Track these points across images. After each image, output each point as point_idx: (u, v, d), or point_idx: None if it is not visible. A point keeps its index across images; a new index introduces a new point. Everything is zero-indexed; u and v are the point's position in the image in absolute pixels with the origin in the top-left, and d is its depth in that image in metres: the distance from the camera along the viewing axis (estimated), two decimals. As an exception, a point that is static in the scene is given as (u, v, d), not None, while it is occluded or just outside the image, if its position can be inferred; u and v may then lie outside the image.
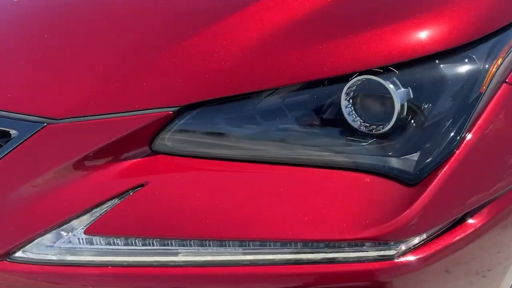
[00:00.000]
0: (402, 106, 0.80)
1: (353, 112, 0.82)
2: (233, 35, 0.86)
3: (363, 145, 0.82)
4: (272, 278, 0.78)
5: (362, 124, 0.82)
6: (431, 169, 0.78)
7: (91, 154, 0.85)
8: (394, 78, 0.80)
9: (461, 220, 0.81)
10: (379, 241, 0.76)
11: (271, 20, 0.87)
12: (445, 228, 0.80)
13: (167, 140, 0.86)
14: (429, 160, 0.78)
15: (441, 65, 0.81)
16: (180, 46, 0.86)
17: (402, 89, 0.80)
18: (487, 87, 0.81)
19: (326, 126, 0.85)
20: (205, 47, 0.86)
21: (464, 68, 0.81)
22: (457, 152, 0.78)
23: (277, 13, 0.87)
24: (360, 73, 0.81)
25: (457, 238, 0.79)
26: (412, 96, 0.80)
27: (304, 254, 0.77)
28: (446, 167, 0.77)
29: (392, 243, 0.76)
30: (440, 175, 0.77)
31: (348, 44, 0.82)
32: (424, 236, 0.78)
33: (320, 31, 0.85)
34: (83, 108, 0.86)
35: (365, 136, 0.82)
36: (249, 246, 0.79)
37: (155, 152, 0.87)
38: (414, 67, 0.81)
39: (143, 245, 0.81)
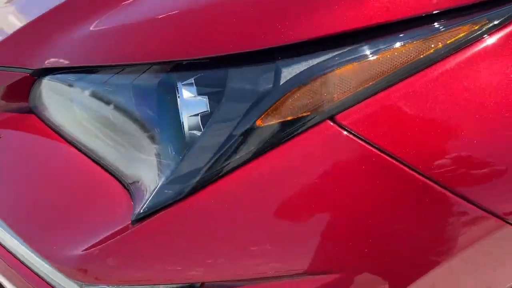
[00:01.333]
0: (195, 119, 0.65)
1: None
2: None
3: (152, 154, 0.70)
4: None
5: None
6: (147, 213, 0.65)
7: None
8: (193, 80, 0.65)
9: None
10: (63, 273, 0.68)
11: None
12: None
13: (35, 102, 0.88)
14: (154, 201, 0.65)
15: (232, 72, 0.63)
16: (47, 15, 0.85)
17: (197, 97, 0.65)
18: (280, 120, 0.60)
19: (154, 122, 0.71)
20: (65, 17, 0.84)
21: (253, 84, 0.61)
22: (177, 205, 0.63)
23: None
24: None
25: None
26: (209, 110, 0.64)
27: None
28: (158, 216, 0.64)
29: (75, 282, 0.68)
30: (147, 223, 0.64)
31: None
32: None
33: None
34: None
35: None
36: None
37: (32, 112, 0.89)
38: (209, 69, 0.65)
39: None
